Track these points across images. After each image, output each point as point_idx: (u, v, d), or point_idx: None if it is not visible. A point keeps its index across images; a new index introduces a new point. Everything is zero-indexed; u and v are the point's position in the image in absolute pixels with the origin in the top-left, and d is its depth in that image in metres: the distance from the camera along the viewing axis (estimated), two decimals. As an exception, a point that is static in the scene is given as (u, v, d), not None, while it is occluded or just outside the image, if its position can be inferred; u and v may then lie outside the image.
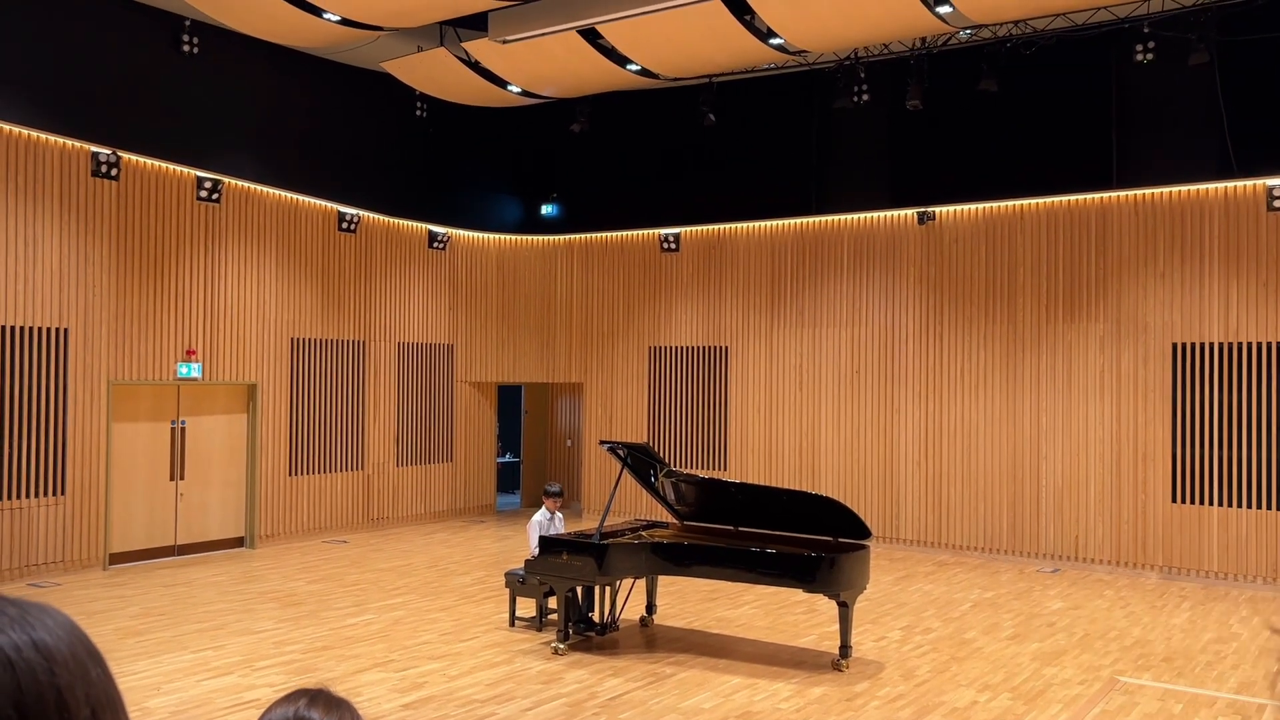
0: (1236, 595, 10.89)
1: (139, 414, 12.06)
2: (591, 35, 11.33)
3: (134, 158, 11.81)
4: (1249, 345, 11.39)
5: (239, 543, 13.02)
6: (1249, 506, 11.31)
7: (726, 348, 14.84)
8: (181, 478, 12.42)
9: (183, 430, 12.46)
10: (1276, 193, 11.21)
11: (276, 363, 13.29)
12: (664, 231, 15.32)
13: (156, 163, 12.03)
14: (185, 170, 12.31)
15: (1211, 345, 11.61)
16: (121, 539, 11.77)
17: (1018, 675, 7.88)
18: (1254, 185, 11.38)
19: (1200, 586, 11.32)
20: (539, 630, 8.95)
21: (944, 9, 9.95)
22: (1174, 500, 11.75)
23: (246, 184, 12.95)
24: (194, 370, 12.31)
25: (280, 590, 10.59)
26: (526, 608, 9.31)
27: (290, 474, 13.46)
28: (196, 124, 12.43)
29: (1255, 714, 6.99)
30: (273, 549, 12.98)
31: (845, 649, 7.97)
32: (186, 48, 12.10)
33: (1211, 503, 11.53)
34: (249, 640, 8.59)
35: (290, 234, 13.49)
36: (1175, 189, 11.84)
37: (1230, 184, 11.52)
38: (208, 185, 12.44)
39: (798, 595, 10.00)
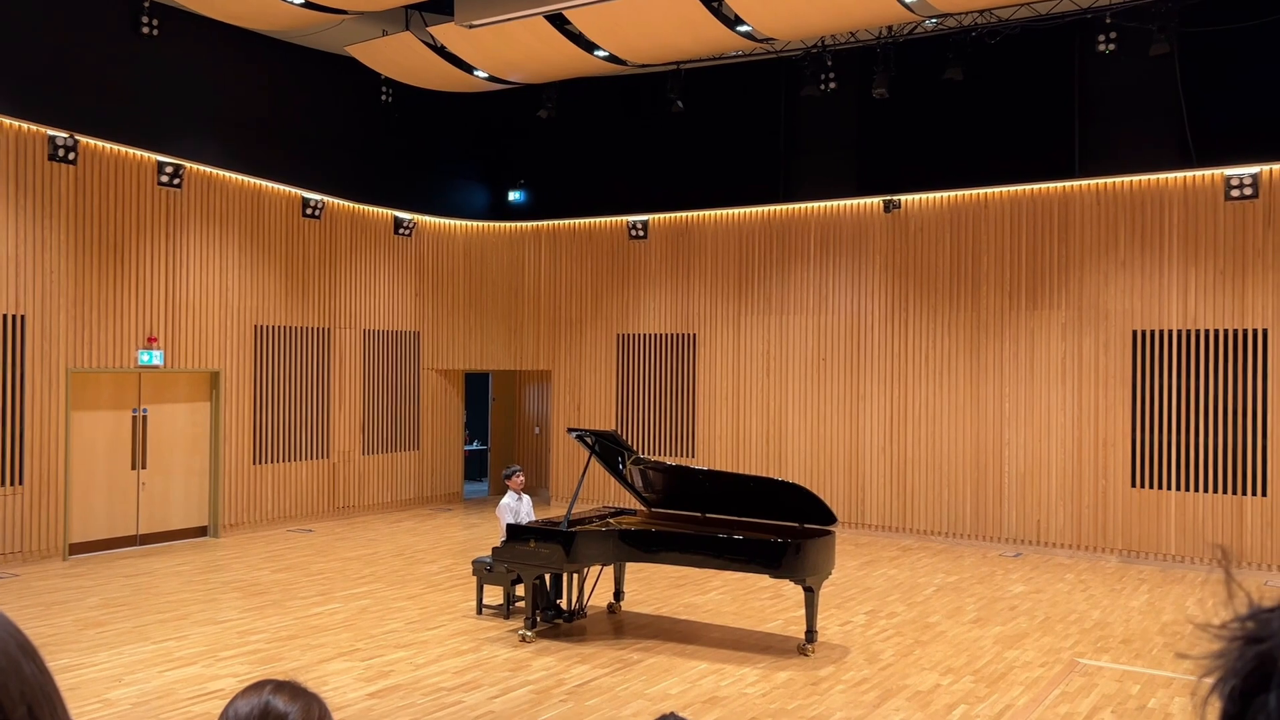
0: (1193, 578, 11.09)
1: (99, 402, 11.89)
2: (559, 21, 11.27)
3: (92, 141, 11.60)
4: (1207, 332, 11.58)
5: (202, 532, 12.89)
6: (1206, 491, 11.52)
7: (694, 335, 14.87)
8: (143, 466, 12.27)
9: (144, 418, 12.30)
10: (1234, 182, 11.38)
11: (240, 350, 13.14)
12: (632, 218, 15.30)
13: (116, 147, 11.83)
14: (145, 155, 12.12)
15: (1170, 332, 11.79)
16: (81, 529, 11.62)
17: (980, 658, 7.98)
18: (1212, 175, 11.55)
19: (1158, 569, 11.52)
20: (506, 618, 8.94)
21: (910, -3, 9.98)
22: (1133, 485, 11.94)
23: (209, 169, 12.77)
24: (155, 358, 12.15)
25: (244, 580, 10.51)
26: (494, 595, 9.30)
27: (254, 462, 13.34)
28: (157, 107, 12.23)
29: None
30: (237, 538, 12.86)
31: (811, 633, 8.04)
32: (146, 29, 11.89)
33: (1169, 487, 11.73)
34: (212, 630, 8.52)
35: (254, 220, 13.33)
36: (1136, 178, 11.99)
37: (1189, 174, 11.68)
38: (169, 170, 12.26)
39: (764, 581, 10.06)
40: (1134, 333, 11.98)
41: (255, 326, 13.33)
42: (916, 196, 13.31)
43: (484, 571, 9.03)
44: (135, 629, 8.53)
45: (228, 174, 13.00)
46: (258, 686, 1.57)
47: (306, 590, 10.03)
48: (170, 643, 8.13)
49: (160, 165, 12.21)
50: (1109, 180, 12.13)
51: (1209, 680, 0.61)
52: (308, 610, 9.24)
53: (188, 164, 12.50)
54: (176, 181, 12.35)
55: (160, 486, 12.45)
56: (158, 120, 12.22)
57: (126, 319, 11.93)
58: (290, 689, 1.56)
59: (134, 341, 12.00)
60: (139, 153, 12.05)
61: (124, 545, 12.04)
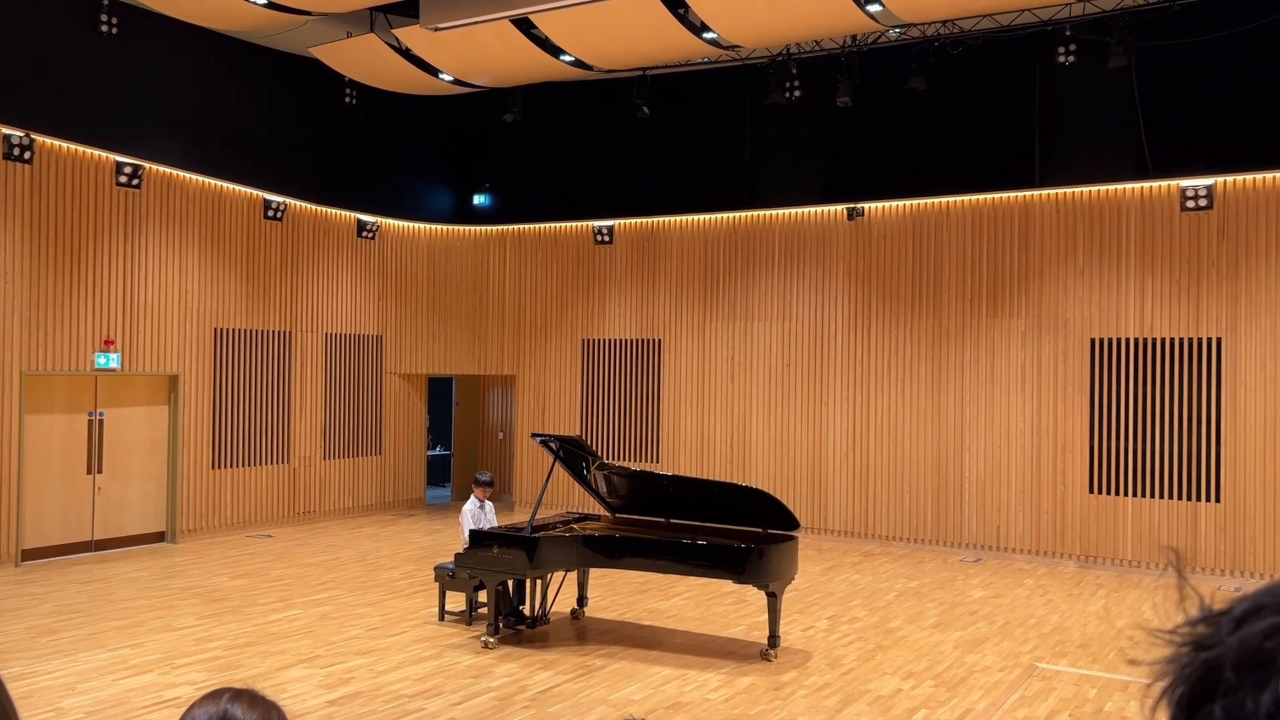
0: (1149, 582, 11.26)
1: (54, 405, 11.69)
2: (525, 25, 11.26)
3: (49, 141, 11.41)
4: (1162, 341, 11.78)
5: (159, 537, 12.70)
6: (1161, 497, 11.71)
7: (659, 340, 14.89)
8: (99, 471, 12.07)
9: (100, 422, 12.10)
10: (1189, 194, 11.59)
11: (199, 353, 12.97)
12: (597, 224, 15.29)
13: (73, 146, 11.65)
14: (103, 155, 11.94)
15: (1127, 341, 11.97)
16: (35, 534, 11.40)
17: (940, 663, 8.05)
18: (1168, 186, 11.76)
19: (1115, 574, 11.69)
20: (469, 624, 8.89)
21: (874, 7, 10.09)
22: (1091, 491, 12.10)
23: (168, 170, 12.60)
24: (113, 360, 11.96)
25: (202, 586, 10.36)
26: (456, 602, 9.24)
27: (213, 467, 13.17)
28: (116, 107, 12.06)
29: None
30: (195, 544, 12.68)
31: (773, 639, 8.07)
32: (105, 28, 11.72)
33: (1126, 493, 11.91)
34: (169, 637, 8.39)
35: (214, 221, 13.17)
36: (1094, 189, 12.18)
37: (1146, 184, 11.88)
38: (127, 170, 12.08)
39: (728, 586, 10.09)
40: (1092, 341, 12.16)
41: (215, 329, 13.17)
42: (880, 204, 13.43)
43: (446, 578, 8.97)
44: (90, 636, 8.38)
45: (188, 175, 12.83)
46: (215, 695, 1.55)
47: (266, 596, 9.91)
48: (125, 650, 8.00)
49: (119, 165, 12.04)
50: (1068, 190, 12.31)
51: (1158, 686, 0.62)
52: (267, 617, 9.12)
53: (147, 164, 12.33)
54: (135, 182, 12.18)
55: (117, 491, 12.25)
56: (116, 120, 12.05)
57: (83, 321, 11.74)
58: (249, 697, 1.54)
59: (90, 344, 11.80)
60: (97, 152, 11.87)
61: (79, 551, 11.83)
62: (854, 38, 12.63)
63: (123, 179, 12.06)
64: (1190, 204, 11.58)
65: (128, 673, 7.44)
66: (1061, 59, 11.79)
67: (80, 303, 11.71)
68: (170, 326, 12.66)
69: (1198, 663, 0.60)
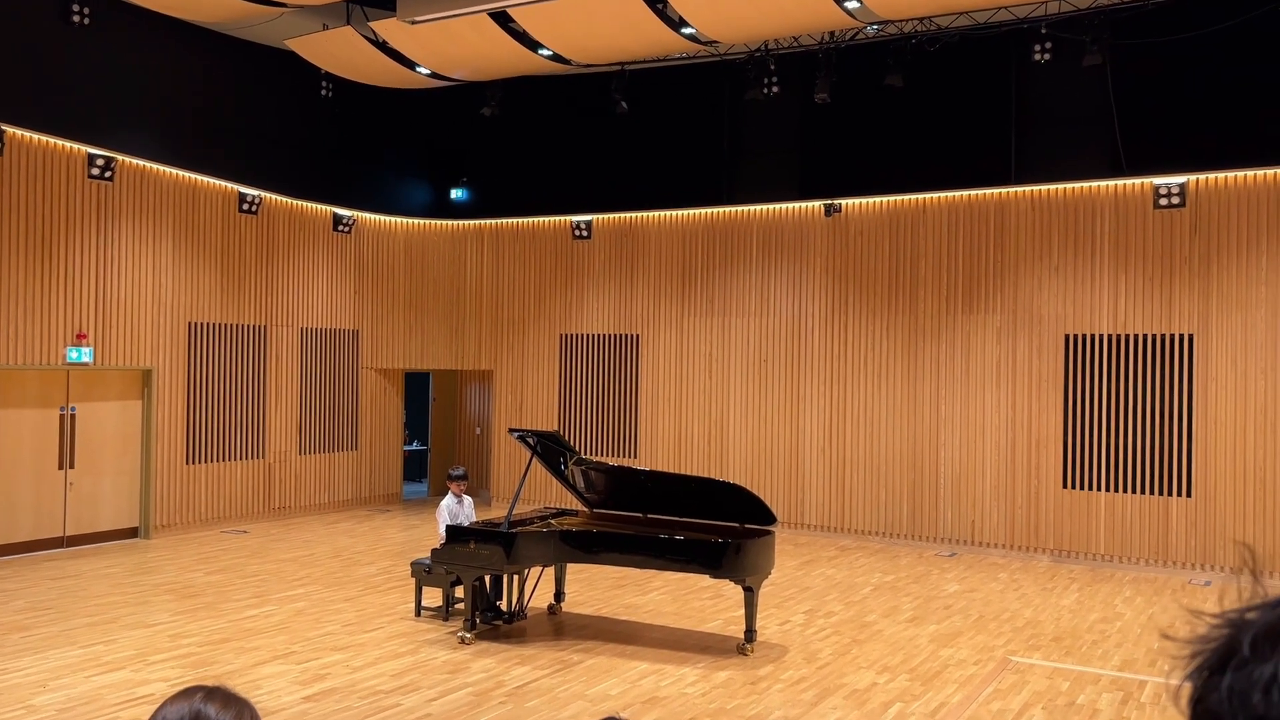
0: (1121, 576, 11.38)
1: (25, 400, 11.55)
2: (503, 19, 11.21)
3: (19, 132, 11.27)
4: (1136, 337, 11.89)
5: (133, 533, 12.59)
6: (1134, 492, 11.83)
7: (637, 336, 14.89)
8: (71, 466, 11.95)
9: (73, 417, 11.98)
10: (1162, 191, 11.70)
11: (173, 347, 12.86)
12: (576, 218, 15.27)
13: (44, 138, 11.51)
14: (75, 146, 11.80)
15: (1101, 337, 12.08)
16: (5, 530, 11.27)
17: (916, 656, 8.11)
18: (1142, 183, 11.87)
19: (1088, 569, 11.80)
20: (445, 620, 8.87)
21: (852, 4, 10.11)
22: (1065, 486, 12.21)
23: (141, 162, 12.48)
24: (85, 355, 11.84)
25: (176, 582, 10.28)
26: (433, 597, 9.22)
27: (188, 462, 13.07)
28: (88, 99, 11.92)
29: (1137, 690, 7.33)
30: (169, 539, 12.58)
31: (750, 633, 8.10)
32: (77, 18, 11.57)
33: (1099, 488, 12.02)
34: (143, 634, 8.32)
35: (188, 214, 13.05)
36: (1068, 186, 12.27)
37: (1120, 182, 11.98)
38: (100, 163, 11.95)
39: (705, 581, 10.11)
40: (1066, 337, 12.26)
41: (189, 323, 13.05)
42: (856, 201, 13.48)
43: (423, 573, 8.95)
44: (62, 633, 8.30)
45: (162, 167, 12.71)
46: (188, 692, 1.54)
47: (241, 592, 9.85)
48: (98, 647, 7.93)
49: (91, 158, 11.90)
50: (1043, 187, 12.40)
51: (1188, 663, 0.65)
52: (242, 613, 9.07)
53: (120, 157, 12.20)
54: (108, 174, 12.04)
55: (89, 487, 12.13)
56: (89, 112, 11.91)
57: (55, 315, 11.61)
58: (222, 695, 1.53)
59: (63, 338, 11.67)
60: (68, 144, 11.73)
61: (50, 547, 11.71)
62: (832, 34, 12.66)
63: (95, 171, 11.93)
64: (1163, 202, 11.69)
65: (100, 669, 7.38)
66: (1037, 57, 11.87)
67: (52, 296, 11.58)
68: (144, 320, 12.54)
69: (1222, 638, 0.64)
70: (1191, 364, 11.56)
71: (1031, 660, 8.06)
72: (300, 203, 14.49)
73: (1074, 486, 12.16)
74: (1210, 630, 0.65)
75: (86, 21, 11.64)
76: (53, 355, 11.58)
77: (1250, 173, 11.31)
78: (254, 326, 13.87)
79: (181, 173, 12.93)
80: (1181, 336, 11.63)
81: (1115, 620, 9.38)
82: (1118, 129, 11.79)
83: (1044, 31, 11.77)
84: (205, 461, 13.27)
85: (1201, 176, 11.55)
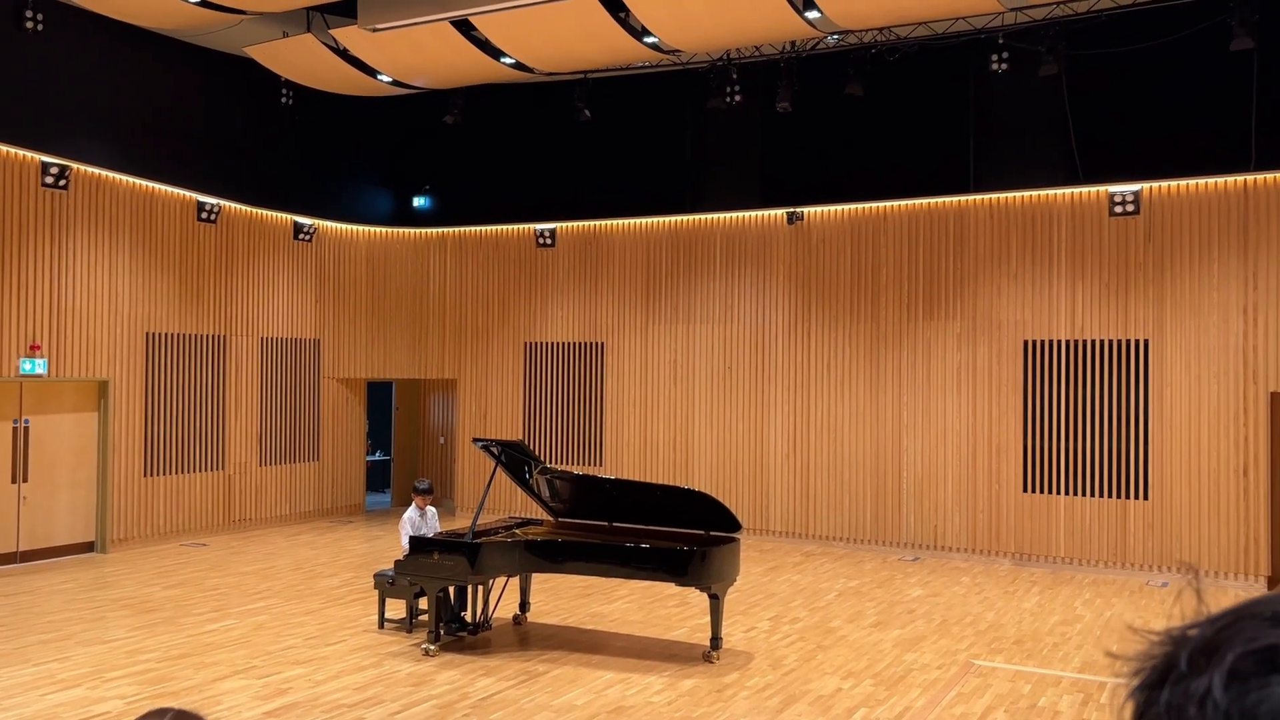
0: (1081, 579, 11.53)
1: (-24, 413, 11.32)
2: (465, 27, 11.18)
3: (-30, 140, 11.06)
4: (1093, 342, 12.07)
5: (89, 548, 12.37)
6: (1092, 495, 11.99)
7: (602, 344, 14.88)
8: (24, 480, 11.72)
9: (26, 430, 11.75)
10: (1117, 199, 11.89)
11: (130, 358, 12.67)
12: (540, 226, 15.24)
13: (-4, 145, 11.30)
14: (28, 154, 11.59)
15: (1059, 342, 12.24)
16: (-43, 546, 11.03)
17: (880, 662, 8.16)
18: (1097, 191, 12.05)
19: (1048, 571, 11.94)
20: (409, 632, 8.79)
21: (812, 14, 10.20)
22: (1025, 490, 12.35)
23: (97, 170, 12.29)
24: (39, 366, 11.63)
25: (134, 597, 10.11)
26: (396, 609, 9.14)
27: (145, 474, 12.86)
28: (41, 106, 11.73)
29: (1097, 691, 7.42)
30: (126, 553, 12.37)
31: (716, 640, 8.10)
32: (30, 24, 11.37)
33: (1059, 492, 12.18)
34: (99, 650, 8.17)
35: (145, 224, 12.87)
36: (1026, 194, 12.44)
37: (1076, 190, 12.16)
38: (54, 171, 11.75)
39: (671, 589, 10.11)
40: (1025, 343, 12.41)
41: (147, 334, 12.86)
42: (819, 209, 13.57)
43: (386, 585, 8.87)
44: (15, 651, 8.13)
45: (118, 176, 12.52)
46: (158, 713, 1.51)
47: (200, 607, 9.70)
48: (53, 664, 7.77)
49: (44, 166, 11.70)
50: (1001, 195, 12.55)
51: (1130, 680, 0.67)
52: (201, 627, 8.94)
53: (74, 165, 12.00)
54: (62, 183, 11.85)
55: (43, 501, 11.90)
56: (42, 119, 11.72)
57: (7, 326, 11.39)
58: (193, 718, 1.51)
59: (16, 349, 11.46)
60: (21, 152, 11.53)
61: (3, 563, 11.47)
62: (793, 44, 12.75)
63: (49, 179, 11.73)
64: (1118, 209, 11.88)
65: (55, 687, 7.23)
66: (995, 67, 12.03)
67: (4, 307, 11.36)
68: (100, 331, 12.34)
69: (1162, 655, 0.66)
70: (1147, 369, 11.75)
71: (994, 663, 8.13)
72: (260, 211, 14.33)
73: (1034, 490, 12.30)
74: (1151, 647, 0.67)
75: (40, 27, 11.45)
76: (6, 367, 11.36)
77: (1201, 181, 11.53)
78: (213, 336, 13.70)
79: (138, 181, 12.75)
80: (1137, 342, 11.82)
81: (1075, 622, 9.50)
82: (1073, 138, 11.97)
83: (1001, 42, 11.93)
84: (163, 474, 13.07)
85: (1155, 184, 11.76)
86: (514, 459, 8.85)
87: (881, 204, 13.20)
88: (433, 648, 8.15)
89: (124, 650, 8.19)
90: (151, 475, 12.93)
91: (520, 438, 15.00)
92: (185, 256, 13.34)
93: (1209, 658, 0.62)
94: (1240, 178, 11.32)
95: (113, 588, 10.55)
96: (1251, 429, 11.22)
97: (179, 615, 9.35)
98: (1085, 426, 12.02)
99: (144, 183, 12.81)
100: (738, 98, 13.24)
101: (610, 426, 14.76)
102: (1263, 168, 11.14)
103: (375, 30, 11.30)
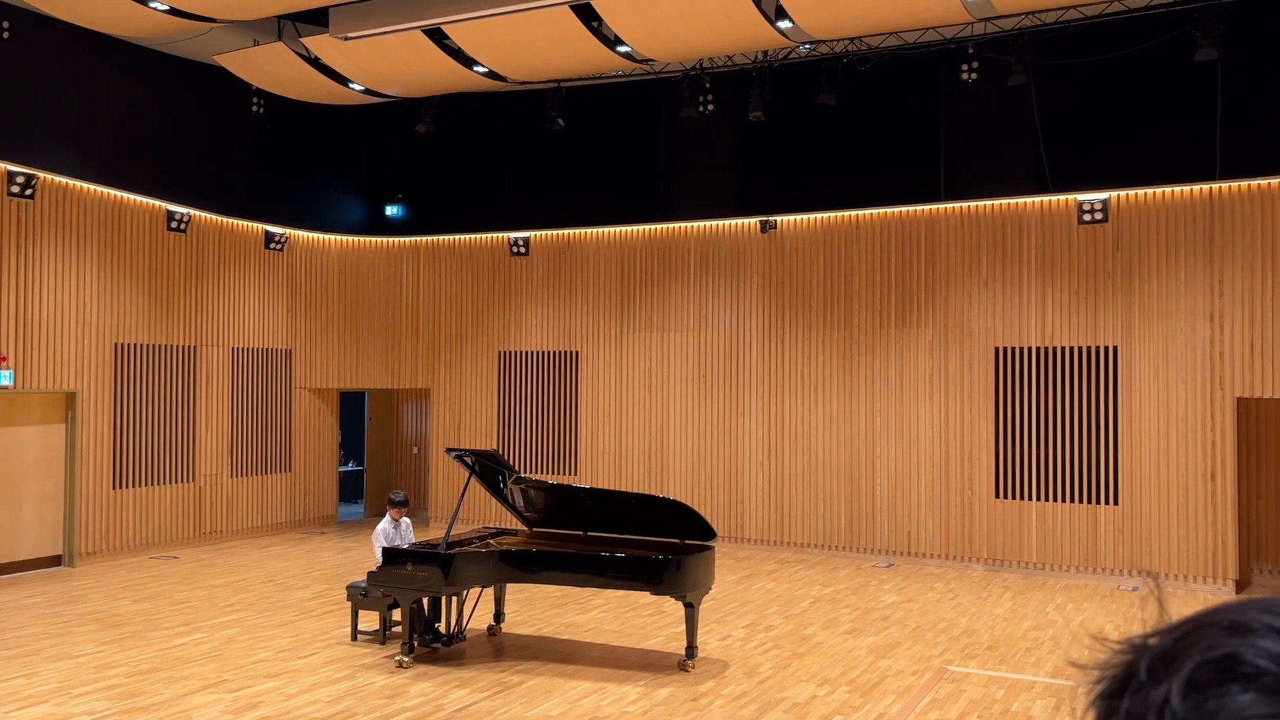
0: (1053, 584, 11.62)
1: (-60, 425, 11.14)
2: (437, 35, 11.16)
3: (-66, 148, 10.91)
4: (1063, 349, 12.19)
5: (56, 561, 12.19)
6: (1064, 501, 12.09)
7: (577, 352, 14.86)
8: (-10, 493, 11.53)
9: (-9, 442, 11.57)
10: (1086, 207, 12.03)
11: (98, 369, 12.52)
12: (513, 235, 15.21)
13: (-40, 154, 11.15)
14: (-6, 163, 11.46)
15: (1030, 349, 12.36)
16: (-80, 561, 10.85)
17: (855, 668, 8.18)
18: (1066, 200, 12.19)
19: (1021, 577, 12.02)
20: (383, 644, 8.73)
21: (784, 24, 10.26)
22: (997, 496, 12.44)
23: (64, 179, 12.15)
24: (4, 378, 11.46)
25: (102, 611, 9.98)
26: (370, 621, 9.07)
27: (114, 487, 12.70)
28: (7, 114, 11.58)
29: (1069, 696, 7.47)
30: (94, 567, 12.21)
31: (691, 649, 8.10)
32: (-5, 32, 11.26)
33: (1031, 498, 12.27)
34: (66, 665, 8.05)
35: (114, 233, 12.73)
36: (996, 202, 12.56)
37: (1045, 198, 12.29)
38: (20, 180, 11.61)
39: (646, 598, 10.10)
40: (996, 350, 12.51)
41: (115, 345, 12.72)
42: (791, 217, 13.63)
43: (359, 596, 8.80)
44: (-21, 667, 7.99)
45: (85, 185, 12.39)
46: None
47: (170, 620, 9.59)
48: (19, 680, 7.65)
49: (10, 175, 11.56)
50: (972, 204, 12.67)
51: (1092, 688, 0.68)
52: (171, 641, 8.83)
53: (41, 174, 11.86)
54: (29, 192, 11.71)
55: (9, 514, 11.72)
56: (8, 127, 11.57)
57: (-28, 337, 11.22)
58: None
59: (-20, 360, 11.29)
60: (-13, 161, 11.39)
61: (-32, 578, 11.29)
62: (766, 54, 12.82)
63: (14, 189, 11.59)
64: (1087, 217, 12.01)
65: (21, 704, 7.12)
66: (965, 76, 12.15)
67: (-31, 318, 11.19)
68: (67, 342, 12.19)
69: (1122, 664, 0.67)
70: (1116, 375, 11.88)
71: (968, 669, 8.17)
72: (231, 220, 14.22)
73: (1006, 496, 12.39)
74: (1112, 656, 0.68)
75: (6, 35, 11.33)
76: (-30, 378, 11.19)
77: (1168, 189, 11.68)
78: (183, 347, 13.56)
79: (106, 190, 12.62)
80: (1106, 349, 11.95)
81: (1048, 627, 9.57)
82: (1042, 147, 12.10)
83: (971, 52, 12.05)
84: (133, 486, 12.92)
85: (1123, 193, 11.91)
86: (488, 468, 8.81)
87: (854, 212, 13.28)
88: (406, 659, 8.09)
89: (92, 665, 8.08)
90: (120, 487, 12.78)
91: (494, 447, 14.95)
92: (155, 266, 13.21)
93: (1168, 666, 0.63)
94: (1206, 186, 11.48)
95: (80, 602, 10.41)
96: (1218, 434, 11.36)
97: (148, 629, 9.24)
98: (1056, 433, 12.13)
99: (112, 192, 12.69)
100: (711, 107, 13.29)
101: (585, 435, 14.74)
102: (1228, 176, 11.31)
103: (347, 39, 11.26)
